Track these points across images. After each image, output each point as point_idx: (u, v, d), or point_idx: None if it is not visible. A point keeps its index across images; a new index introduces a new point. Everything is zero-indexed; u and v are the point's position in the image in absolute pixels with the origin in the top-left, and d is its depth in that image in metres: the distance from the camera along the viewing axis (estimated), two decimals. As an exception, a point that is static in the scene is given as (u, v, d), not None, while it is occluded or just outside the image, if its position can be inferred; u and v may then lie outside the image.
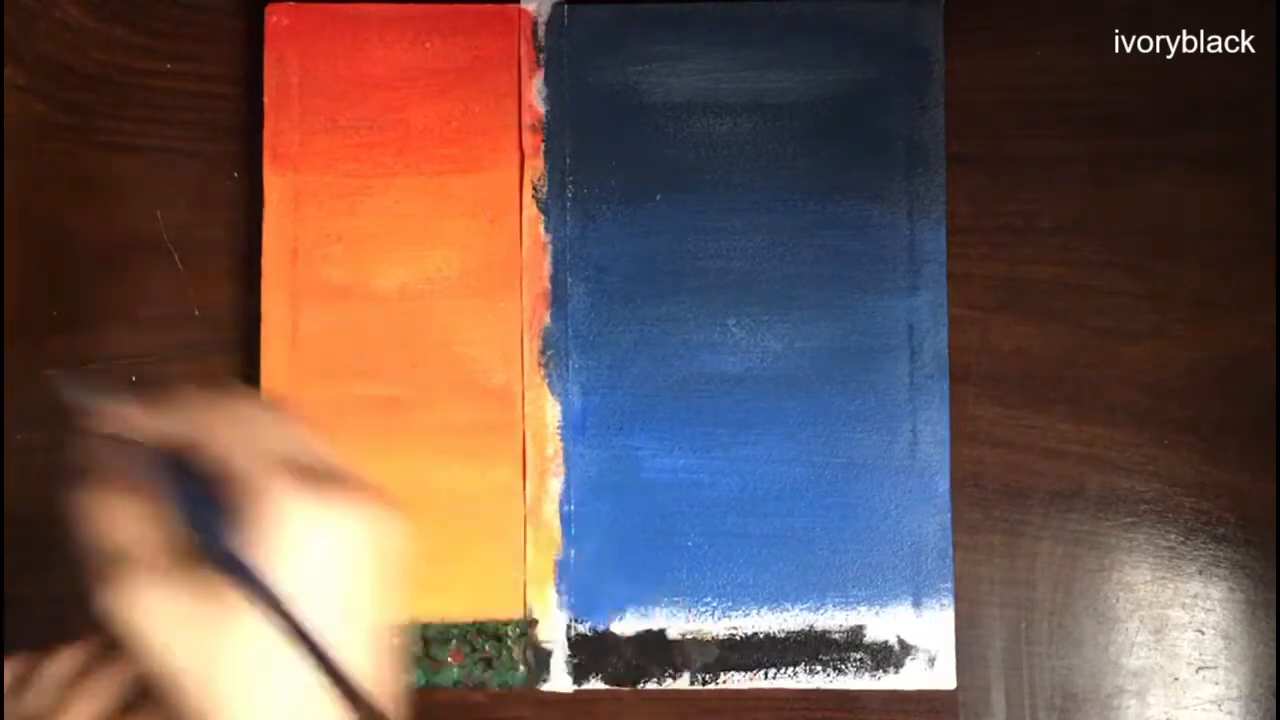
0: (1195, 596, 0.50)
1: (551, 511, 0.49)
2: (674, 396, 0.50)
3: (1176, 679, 0.50)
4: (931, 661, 0.49)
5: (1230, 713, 0.50)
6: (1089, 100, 0.51)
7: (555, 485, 0.49)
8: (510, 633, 0.49)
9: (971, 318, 0.51)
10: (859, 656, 0.49)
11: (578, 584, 0.49)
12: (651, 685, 0.49)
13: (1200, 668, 0.50)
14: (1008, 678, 0.50)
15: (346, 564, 0.32)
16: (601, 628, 0.49)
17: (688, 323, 0.50)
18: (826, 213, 0.50)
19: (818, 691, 0.49)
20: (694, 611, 0.49)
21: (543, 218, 0.50)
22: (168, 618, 0.30)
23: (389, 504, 0.32)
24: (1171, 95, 0.51)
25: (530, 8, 0.51)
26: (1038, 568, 0.50)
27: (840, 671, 0.49)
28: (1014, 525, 0.50)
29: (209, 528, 0.31)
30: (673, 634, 0.49)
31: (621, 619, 0.49)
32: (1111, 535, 0.50)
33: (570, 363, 0.50)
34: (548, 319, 0.50)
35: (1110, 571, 0.50)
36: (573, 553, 0.49)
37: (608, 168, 0.50)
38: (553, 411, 0.50)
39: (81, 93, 0.51)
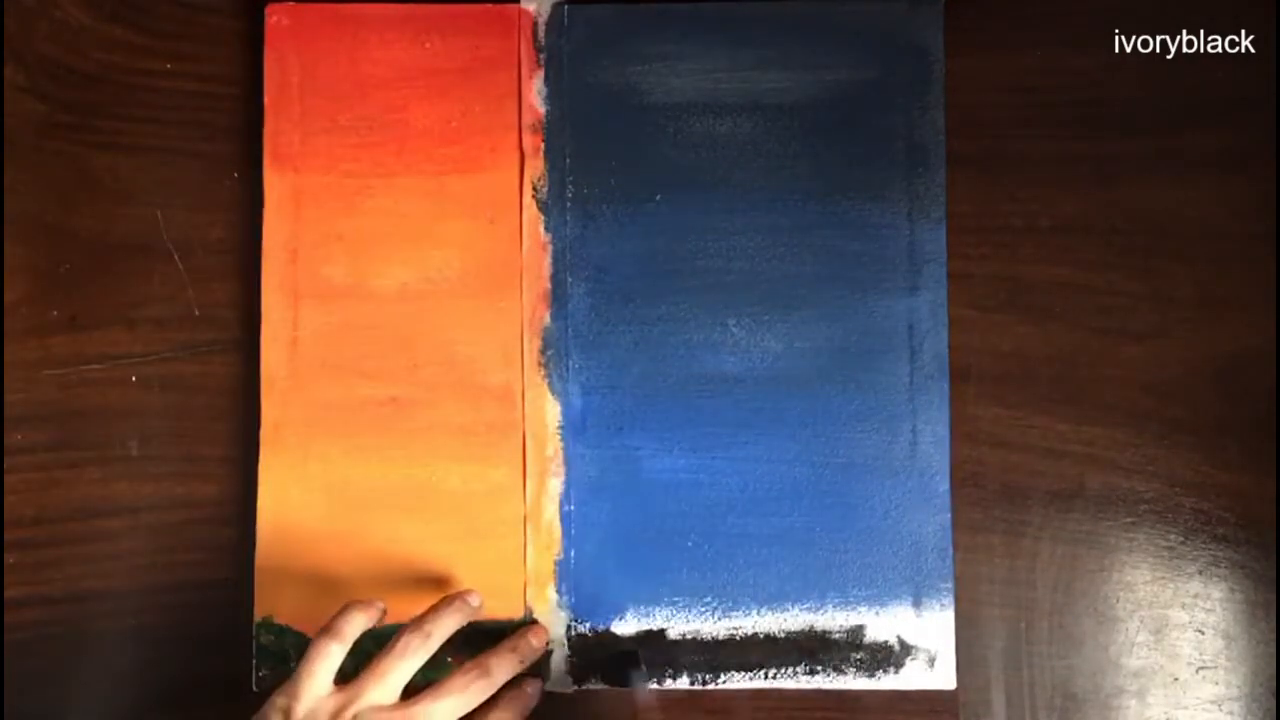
0: (1195, 596, 0.50)
1: (551, 511, 0.49)
2: (674, 396, 0.50)
3: (1176, 679, 0.50)
4: (931, 662, 0.49)
5: (1230, 713, 0.50)
6: (1089, 100, 0.51)
7: (555, 485, 0.49)
8: (510, 633, 0.49)
9: (971, 318, 0.51)
10: (859, 656, 0.49)
11: (578, 584, 0.49)
12: (651, 685, 0.49)
13: (1200, 668, 0.50)
14: (1008, 678, 0.50)
15: None
16: (601, 628, 0.49)
17: (688, 323, 0.50)
18: (826, 213, 0.50)
19: (817, 691, 0.49)
20: (694, 611, 0.49)
21: (543, 218, 0.50)
22: None
23: None
24: (1171, 95, 0.51)
25: (530, 8, 0.51)
26: (1038, 568, 0.50)
27: (840, 672, 0.49)
28: (1014, 525, 0.50)
29: None
30: (673, 634, 0.49)
31: (621, 619, 0.49)
32: (1111, 535, 0.50)
33: (570, 363, 0.50)
34: (548, 319, 0.50)
35: (1110, 571, 0.50)
36: (573, 553, 0.49)
37: (608, 168, 0.50)
38: (553, 411, 0.50)
39: (81, 93, 0.51)
